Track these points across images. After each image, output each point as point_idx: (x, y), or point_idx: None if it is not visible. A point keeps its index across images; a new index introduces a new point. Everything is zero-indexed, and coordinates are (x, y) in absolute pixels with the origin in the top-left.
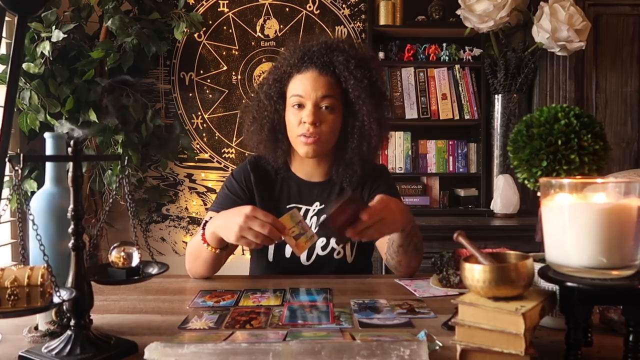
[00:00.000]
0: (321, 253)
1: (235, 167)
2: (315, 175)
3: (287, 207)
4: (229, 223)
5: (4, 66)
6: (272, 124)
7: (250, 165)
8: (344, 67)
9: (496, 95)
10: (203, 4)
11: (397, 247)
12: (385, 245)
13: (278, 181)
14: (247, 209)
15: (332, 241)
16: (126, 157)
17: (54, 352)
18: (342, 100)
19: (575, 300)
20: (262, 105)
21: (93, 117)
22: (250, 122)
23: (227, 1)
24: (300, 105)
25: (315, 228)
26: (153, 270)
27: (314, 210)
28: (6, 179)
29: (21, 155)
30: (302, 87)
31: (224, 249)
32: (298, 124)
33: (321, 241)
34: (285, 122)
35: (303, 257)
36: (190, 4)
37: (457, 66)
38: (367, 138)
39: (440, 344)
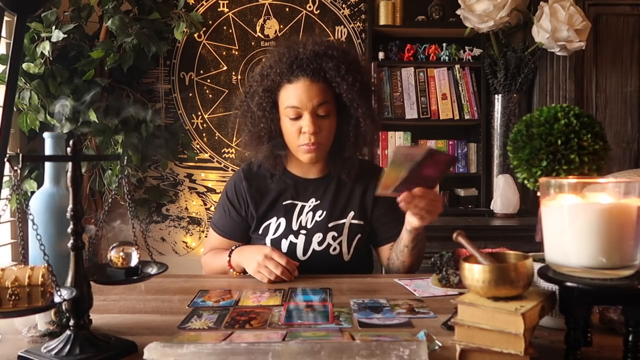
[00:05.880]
0: (317, 248)
1: (235, 167)
2: (311, 172)
3: (283, 203)
4: (251, 259)
5: (4, 66)
6: (270, 135)
7: (244, 173)
8: (335, 73)
9: (496, 95)
10: (203, 4)
11: (403, 247)
12: (387, 249)
13: (274, 181)
14: (266, 249)
15: (329, 236)
16: (126, 157)
17: (53, 352)
18: (335, 102)
19: (575, 300)
20: (255, 118)
21: (93, 117)
22: (247, 135)
23: (227, 1)
24: (297, 116)
25: (311, 223)
26: (152, 270)
27: (310, 206)
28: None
29: (20, 155)
30: (297, 97)
31: (245, 273)
32: (298, 134)
33: (318, 236)
34: (281, 130)
35: (299, 251)
36: (190, 4)
37: (457, 66)
38: (363, 135)
39: (440, 344)
